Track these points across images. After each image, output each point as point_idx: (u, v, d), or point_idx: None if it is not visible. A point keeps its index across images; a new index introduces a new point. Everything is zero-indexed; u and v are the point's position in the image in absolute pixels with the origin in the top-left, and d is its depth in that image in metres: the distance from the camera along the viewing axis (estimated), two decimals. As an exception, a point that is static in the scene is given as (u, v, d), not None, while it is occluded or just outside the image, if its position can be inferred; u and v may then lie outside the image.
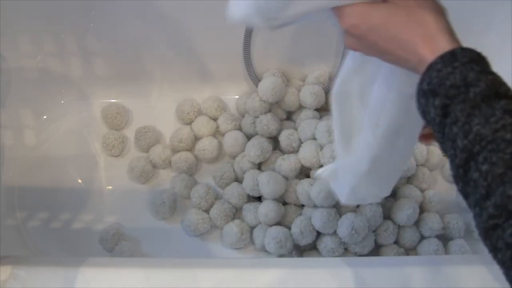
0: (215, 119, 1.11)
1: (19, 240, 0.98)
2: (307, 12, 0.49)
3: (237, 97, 1.14)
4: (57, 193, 1.05)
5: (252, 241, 0.97)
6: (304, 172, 1.01)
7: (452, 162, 0.40)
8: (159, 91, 1.17)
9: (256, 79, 1.11)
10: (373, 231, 0.93)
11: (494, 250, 0.36)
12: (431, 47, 0.42)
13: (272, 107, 1.07)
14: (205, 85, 1.16)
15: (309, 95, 1.05)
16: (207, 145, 1.06)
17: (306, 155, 0.98)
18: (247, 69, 1.10)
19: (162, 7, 1.04)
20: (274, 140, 1.05)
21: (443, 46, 0.42)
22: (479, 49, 0.43)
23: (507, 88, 0.40)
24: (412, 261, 0.80)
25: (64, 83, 1.14)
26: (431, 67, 0.41)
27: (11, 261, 0.70)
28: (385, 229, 0.94)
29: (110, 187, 1.07)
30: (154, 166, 1.07)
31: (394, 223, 0.95)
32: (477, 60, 0.41)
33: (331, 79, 1.12)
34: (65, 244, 0.98)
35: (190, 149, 1.08)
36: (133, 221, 1.02)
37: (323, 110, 1.10)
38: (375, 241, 0.94)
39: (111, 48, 1.11)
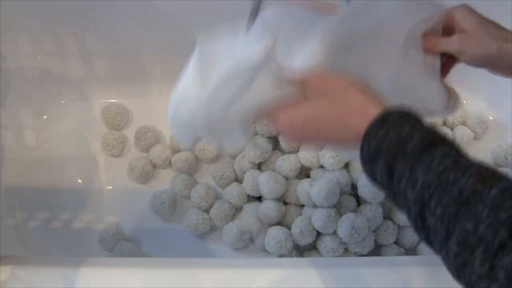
0: (215, 119, 1.11)
1: (19, 240, 0.98)
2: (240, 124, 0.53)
3: (237, 97, 1.14)
4: (57, 193, 1.05)
5: (252, 241, 0.97)
6: (304, 172, 1.01)
7: (408, 216, 0.41)
8: (159, 91, 1.17)
9: (256, 79, 1.11)
10: (373, 231, 0.93)
11: (470, 285, 0.36)
12: (364, 118, 0.44)
13: (272, 107, 1.07)
14: (205, 85, 1.15)
15: (309, 95, 1.05)
16: (207, 145, 1.06)
17: (306, 155, 0.98)
18: (247, 69, 1.10)
19: (162, 7, 1.04)
20: (274, 140, 1.05)
21: (374, 113, 0.44)
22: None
23: (443, 135, 0.42)
24: (412, 261, 0.80)
25: (64, 83, 1.14)
26: (366, 134, 0.43)
27: (11, 261, 0.70)
28: (385, 229, 0.94)
29: (110, 187, 1.07)
30: (154, 166, 1.07)
31: (394, 223, 0.95)
32: (407, 117, 0.42)
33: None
34: (65, 244, 0.98)
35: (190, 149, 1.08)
36: (133, 221, 1.01)
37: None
38: (375, 241, 0.94)
39: (111, 48, 1.11)
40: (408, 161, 0.40)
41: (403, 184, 0.40)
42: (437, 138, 0.41)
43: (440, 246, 0.38)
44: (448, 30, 0.55)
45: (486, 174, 0.38)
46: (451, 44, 0.53)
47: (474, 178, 0.37)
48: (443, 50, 0.54)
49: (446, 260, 0.38)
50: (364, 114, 0.44)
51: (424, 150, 0.40)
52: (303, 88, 0.50)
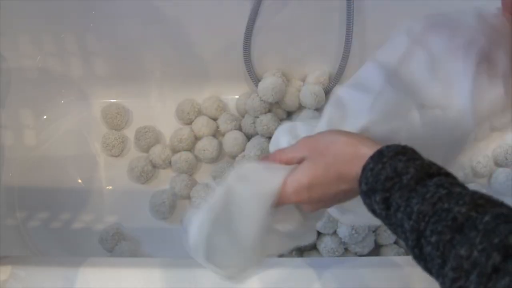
0: (215, 119, 1.11)
1: (19, 240, 0.98)
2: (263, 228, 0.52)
3: (237, 97, 1.14)
4: (57, 193, 1.05)
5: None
6: (304, 172, 1.01)
7: (407, 246, 0.42)
8: (159, 91, 1.17)
9: (256, 79, 1.11)
10: (373, 231, 0.93)
11: None
12: (359, 161, 0.46)
13: (272, 107, 1.07)
14: (205, 85, 1.16)
15: (309, 95, 1.05)
16: (207, 145, 1.06)
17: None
18: (247, 69, 1.10)
19: (162, 7, 1.04)
20: (274, 140, 1.05)
21: (369, 152, 0.45)
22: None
23: (438, 167, 0.43)
24: (412, 261, 0.80)
25: (64, 83, 1.14)
26: (364, 169, 0.45)
27: (11, 261, 0.70)
28: (385, 229, 0.94)
29: (110, 187, 1.07)
30: (154, 166, 1.07)
31: (394, 223, 0.95)
32: (402, 152, 0.44)
33: (331, 79, 1.12)
34: (65, 244, 0.98)
35: (190, 149, 1.08)
36: (133, 221, 1.02)
37: (323, 110, 1.09)
38: (375, 241, 0.94)
39: (111, 48, 1.11)
40: (404, 193, 0.42)
41: (400, 214, 0.42)
42: (432, 170, 0.43)
43: (437, 273, 0.39)
44: None
45: (479, 202, 0.39)
46: None
47: (467, 206, 0.38)
48: None
49: (443, 286, 0.39)
50: (358, 158, 0.46)
51: (420, 182, 0.41)
52: (295, 156, 0.51)
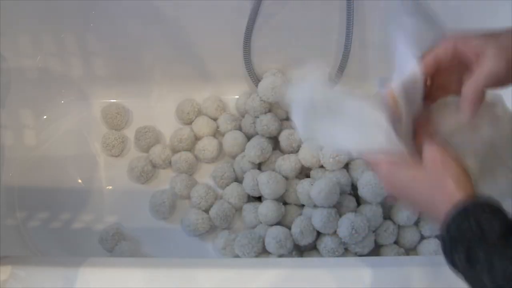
0: (215, 119, 1.11)
1: (19, 240, 0.98)
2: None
3: (237, 97, 1.14)
4: (57, 193, 1.05)
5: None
6: (304, 172, 1.01)
7: None
8: (159, 91, 1.17)
9: (256, 79, 1.11)
10: (373, 231, 0.93)
11: None
12: (450, 204, 0.47)
13: (272, 107, 1.07)
14: (205, 85, 1.16)
15: (309, 95, 1.05)
16: (207, 145, 1.06)
17: (306, 155, 0.98)
18: (247, 69, 1.10)
19: (162, 7, 1.04)
20: (274, 140, 1.05)
21: (459, 198, 0.47)
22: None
23: None
24: (412, 261, 0.80)
25: (64, 83, 1.14)
26: (452, 219, 0.46)
27: (11, 261, 0.71)
28: (385, 229, 0.94)
29: (110, 187, 1.07)
30: (154, 166, 1.07)
31: (394, 223, 0.95)
32: (489, 207, 0.46)
33: (331, 79, 1.12)
34: (65, 244, 0.99)
35: (190, 149, 1.08)
36: (133, 221, 1.02)
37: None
38: (375, 241, 0.94)
39: (111, 48, 1.11)
40: (487, 249, 0.43)
41: (481, 270, 0.43)
42: None
43: None
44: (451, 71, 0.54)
45: None
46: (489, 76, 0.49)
47: None
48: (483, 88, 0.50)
49: None
50: (452, 202, 0.47)
51: (501, 238, 0.43)
52: (416, 151, 0.52)
